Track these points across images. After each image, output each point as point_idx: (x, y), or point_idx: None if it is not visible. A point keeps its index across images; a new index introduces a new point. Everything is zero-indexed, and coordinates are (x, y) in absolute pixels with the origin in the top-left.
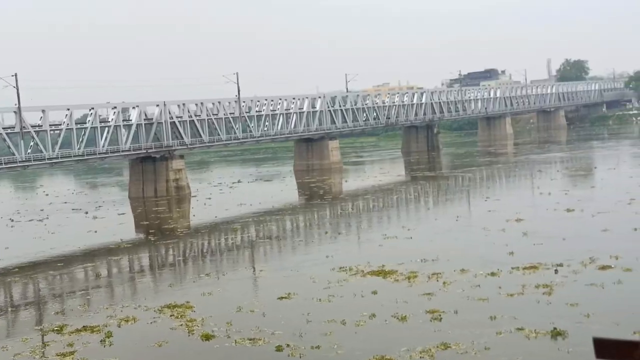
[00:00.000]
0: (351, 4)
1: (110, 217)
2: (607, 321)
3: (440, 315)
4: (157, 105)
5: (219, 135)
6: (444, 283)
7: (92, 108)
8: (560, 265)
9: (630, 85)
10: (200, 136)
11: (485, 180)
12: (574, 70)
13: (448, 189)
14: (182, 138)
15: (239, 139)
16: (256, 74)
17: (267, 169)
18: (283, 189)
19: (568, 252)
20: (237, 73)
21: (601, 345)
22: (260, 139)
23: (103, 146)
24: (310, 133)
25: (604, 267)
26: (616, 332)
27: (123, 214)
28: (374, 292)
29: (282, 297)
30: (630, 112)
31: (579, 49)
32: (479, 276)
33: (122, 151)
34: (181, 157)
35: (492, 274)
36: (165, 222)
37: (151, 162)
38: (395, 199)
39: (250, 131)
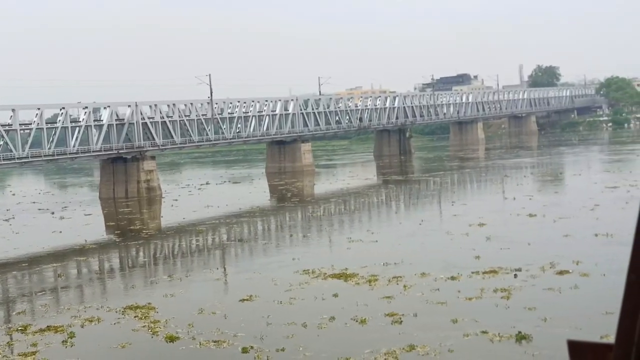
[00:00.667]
0: (328, 8)
1: (77, 218)
2: (566, 325)
3: (400, 319)
4: (129, 106)
5: (190, 136)
6: (404, 286)
7: (63, 108)
8: (519, 270)
9: (601, 92)
10: (172, 137)
11: (454, 184)
12: (545, 77)
13: (416, 193)
14: (153, 139)
15: (211, 140)
16: (229, 75)
17: (239, 171)
18: (252, 191)
19: (529, 257)
20: (209, 74)
21: (576, 348)
22: (232, 140)
23: (74, 146)
24: (283, 135)
25: (561, 272)
26: (579, 336)
27: (90, 214)
28: (335, 295)
29: (244, 299)
30: (601, 119)
31: (551, 55)
32: (439, 280)
33: (93, 151)
34: (152, 158)
35: (452, 278)
36: (133, 223)
37: (122, 162)
38: (365, 202)
39: (223, 133)
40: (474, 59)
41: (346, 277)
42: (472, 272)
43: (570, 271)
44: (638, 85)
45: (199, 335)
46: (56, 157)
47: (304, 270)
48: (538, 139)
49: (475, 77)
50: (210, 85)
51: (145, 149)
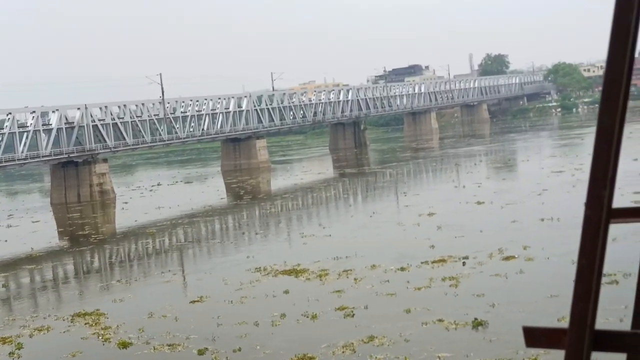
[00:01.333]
0: (279, 3)
1: (25, 226)
2: (514, 310)
3: (352, 312)
4: (78, 109)
5: (143, 137)
6: (355, 280)
7: (10, 113)
8: (467, 257)
9: (549, 78)
10: (124, 139)
11: (407, 175)
12: (495, 65)
13: (369, 185)
14: (105, 141)
15: (164, 140)
16: (181, 74)
17: (194, 171)
18: (205, 190)
19: (478, 244)
20: (160, 74)
21: (531, 333)
22: (186, 140)
23: (22, 152)
24: (237, 133)
25: (508, 258)
26: (530, 320)
27: (38, 221)
28: (286, 292)
29: (195, 301)
30: (550, 104)
31: (499, 43)
32: (389, 271)
33: (43, 156)
34: (104, 160)
35: (402, 269)
36: (84, 228)
37: (73, 166)
38: (320, 197)
39: (176, 132)
40: (425, 50)
41: (297, 273)
42: (422, 262)
43: (517, 256)
44: (584, 70)
45: (152, 339)
46: (4, 164)
47: (256, 268)
48: (490, 126)
49: (427, 67)
50: (162, 85)
51: (96, 152)
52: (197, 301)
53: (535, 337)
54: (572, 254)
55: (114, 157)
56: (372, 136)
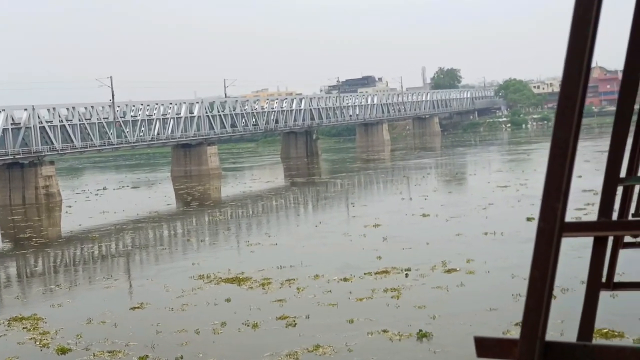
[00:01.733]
0: (232, 10)
1: None
2: (455, 322)
3: (294, 321)
4: (25, 109)
5: (92, 140)
6: (298, 289)
7: None
8: (409, 269)
9: (500, 94)
10: (72, 141)
11: (356, 186)
12: (447, 79)
13: (318, 195)
14: (52, 143)
15: (113, 144)
16: (132, 78)
17: (144, 175)
18: (152, 195)
19: (421, 256)
20: (111, 77)
21: (482, 343)
22: (135, 144)
23: None
24: (188, 139)
25: (449, 271)
26: (472, 332)
27: None
28: (228, 300)
29: (135, 307)
30: (500, 120)
31: (452, 57)
32: (332, 282)
33: None
34: (51, 163)
35: (345, 279)
36: (24, 231)
37: (19, 168)
38: (269, 205)
39: (126, 137)
40: (379, 62)
41: (239, 281)
42: (365, 273)
43: (458, 269)
44: (534, 87)
45: (91, 346)
46: None
47: (200, 276)
48: (441, 139)
49: (380, 79)
50: (112, 88)
51: (43, 154)
52: (138, 308)
53: (487, 347)
54: (512, 268)
55: (61, 159)
56: (324, 146)
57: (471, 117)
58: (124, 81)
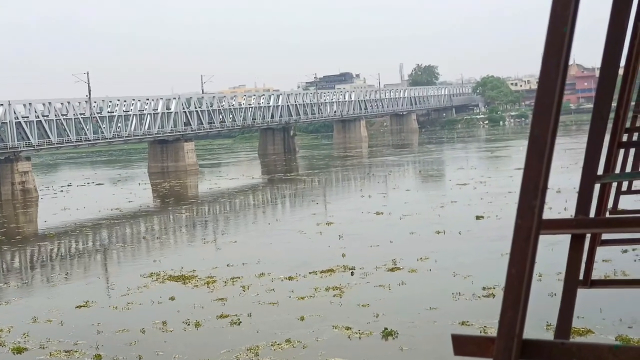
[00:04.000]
0: (208, 4)
1: None
2: (396, 320)
3: (239, 319)
4: (1, 105)
5: (68, 136)
6: (242, 287)
7: None
8: (353, 268)
9: (478, 91)
10: (49, 137)
11: (327, 183)
12: (424, 75)
13: (288, 192)
14: (28, 139)
15: (89, 140)
16: (109, 75)
17: (120, 172)
18: (133, 191)
19: (371, 255)
20: (87, 72)
21: (459, 341)
22: (112, 140)
23: None
24: (165, 134)
25: (392, 269)
26: (413, 333)
27: None
28: (172, 298)
29: (80, 306)
30: (478, 117)
31: (430, 54)
32: (276, 280)
33: None
34: (27, 159)
35: (290, 277)
36: None
37: None
38: (242, 202)
39: (102, 132)
40: (356, 58)
41: (185, 279)
42: (310, 272)
43: (401, 268)
44: (512, 84)
45: (46, 345)
46: None
47: (150, 274)
48: (419, 136)
49: (358, 75)
50: (89, 84)
51: (19, 150)
52: (83, 306)
53: (463, 345)
54: (456, 267)
55: (38, 155)
56: (302, 142)
57: (445, 114)
58: (99, 77)
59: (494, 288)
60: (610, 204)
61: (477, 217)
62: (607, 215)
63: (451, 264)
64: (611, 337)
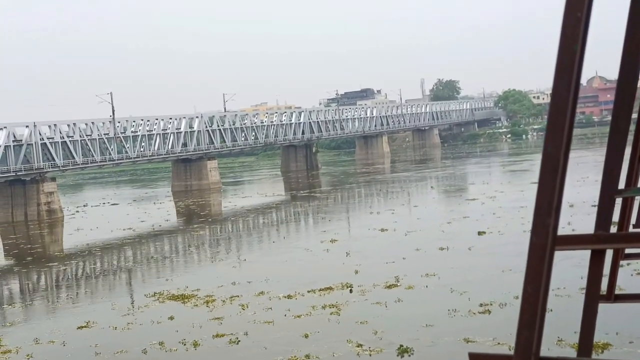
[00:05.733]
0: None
1: None
2: (398, 337)
3: (237, 339)
4: (27, 126)
5: (93, 156)
6: (241, 306)
7: None
8: (352, 285)
9: (500, 105)
10: (73, 158)
11: (343, 200)
12: (446, 90)
13: (307, 210)
14: (53, 160)
15: (114, 160)
16: (132, 94)
17: (144, 191)
18: (159, 209)
19: (372, 272)
20: (111, 93)
21: None
22: (136, 160)
23: None
24: (188, 153)
25: (390, 286)
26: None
27: None
28: (171, 318)
29: (82, 327)
30: (500, 130)
31: (451, 69)
32: (274, 299)
33: None
34: (53, 179)
35: (289, 296)
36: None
37: (21, 185)
38: (259, 221)
39: (126, 152)
40: (378, 74)
41: (184, 298)
42: (308, 291)
43: (399, 285)
44: (534, 97)
45: None
46: None
47: (154, 293)
48: (441, 151)
49: (379, 91)
50: (112, 104)
51: (44, 171)
52: (84, 327)
53: None
54: (455, 284)
55: (63, 176)
56: (324, 159)
57: (467, 128)
58: (123, 98)
59: (491, 304)
60: (633, 219)
61: (480, 233)
62: (631, 229)
63: (450, 280)
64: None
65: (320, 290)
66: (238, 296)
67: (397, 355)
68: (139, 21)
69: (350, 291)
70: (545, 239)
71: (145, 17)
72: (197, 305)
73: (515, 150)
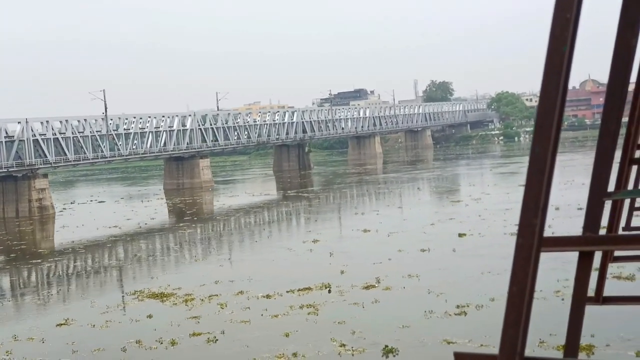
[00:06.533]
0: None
1: None
2: (377, 337)
3: (215, 338)
4: (19, 122)
5: (85, 153)
6: (219, 305)
7: None
8: (330, 286)
9: (492, 107)
10: (65, 154)
11: (325, 201)
12: (439, 92)
13: (297, 209)
14: (45, 156)
15: (106, 157)
16: (124, 92)
17: (136, 189)
18: (148, 206)
19: (357, 272)
20: (104, 90)
21: (462, 359)
22: (128, 157)
23: None
24: (181, 151)
25: (367, 287)
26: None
27: None
28: (149, 316)
29: (60, 324)
30: (492, 132)
31: (444, 71)
32: (252, 298)
33: None
34: (45, 176)
35: (268, 296)
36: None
37: (12, 181)
38: (249, 220)
39: (118, 149)
40: (371, 75)
41: (163, 297)
42: (288, 291)
43: (376, 286)
44: (527, 99)
45: None
46: None
47: (134, 291)
48: (433, 152)
49: (372, 92)
50: (105, 101)
51: (36, 167)
52: (63, 324)
53: None
54: (432, 285)
55: (54, 172)
56: (316, 159)
57: (459, 130)
58: (116, 95)
59: (467, 306)
60: (622, 222)
61: (460, 235)
62: (620, 231)
63: (428, 282)
64: (620, 353)
65: (299, 290)
66: (217, 295)
67: (382, 356)
68: (134, 19)
69: (329, 291)
70: (531, 240)
71: (140, 16)
72: (176, 304)
73: (507, 152)
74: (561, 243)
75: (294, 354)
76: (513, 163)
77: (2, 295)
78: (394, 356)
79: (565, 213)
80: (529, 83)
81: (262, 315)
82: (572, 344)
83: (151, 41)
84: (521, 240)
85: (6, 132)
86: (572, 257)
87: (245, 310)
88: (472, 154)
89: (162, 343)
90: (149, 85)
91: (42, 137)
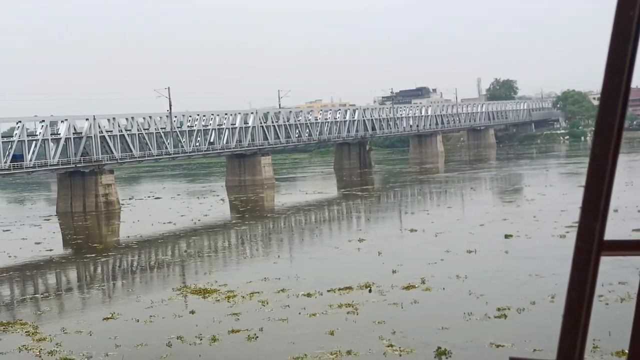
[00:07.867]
0: (286, 23)
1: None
2: (419, 339)
3: (255, 335)
4: (87, 119)
5: (149, 150)
6: (261, 302)
7: (20, 121)
8: (372, 285)
9: (558, 105)
10: (131, 151)
11: (385, 200)
12: (503, 90)
13: (356, 208)
14: (111, 152)
15: (170, 154)
16: (188, 89)
17: (199, 185)
18: (212, 204)
19: (405, 273)
20: (168, 87)
21: None
22: (191, 154)
23: (30, 160)
24: (243, 149)
25: (407, 287)
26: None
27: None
28: (192, 312)
29: (107, 318)
30: (558, 132)
31: (508, 68)
32: (292, 297)
33: (50, 165)
34: (111, 172)
35: (308, 294)
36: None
37: (80, 176)
38: (311, 217)
39: (182, 146)
40: (433, 73)
41: (206, 293)
42: (329, 290)
43: (416, 286)
44: (594, 98)
45: (91, 356)
46: (12, 172)
47: (179, 287)
48: (496, 151)
49: (434, 90)
50: (170, 99)
51: (103, 163)
52: (110, 318)
53: None
54: (473, 286)
55: (120, 168)
56: (377, 157)
57: (523, 129)
58: (180, 92)
59: (508, 309)
60: None
61: (506, 236)
62: None
63: (471, 284)
64: None
65: (339, 289)
66: (259, 292)
67: (435, 357)
68: (200, 17)
69: (370, 291)
70: (591, 244)
71: (205, 13)
72: (218, 300)
73: (572, 152)
74: (624, 247)
75: (348, 352)
76: (578, 163)
77: (55, 290)
78: (447, 358)
79: (623, 215)
80: (595, 82)
81: (299, 313)
82: (636, 353)
83: (213, 40)
84: (580, 244)
85: (74, 129)
86: (615, 260)
87: (285, 308)
88: (535, 154)
89: (201, 340)
90: (212, 83)
91: (109, 133)
